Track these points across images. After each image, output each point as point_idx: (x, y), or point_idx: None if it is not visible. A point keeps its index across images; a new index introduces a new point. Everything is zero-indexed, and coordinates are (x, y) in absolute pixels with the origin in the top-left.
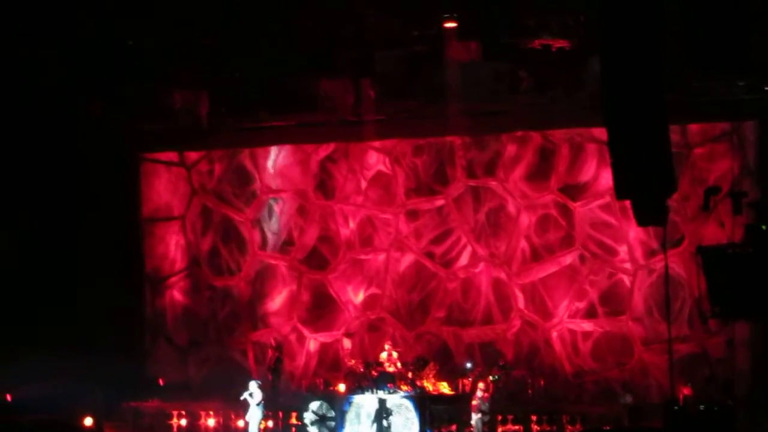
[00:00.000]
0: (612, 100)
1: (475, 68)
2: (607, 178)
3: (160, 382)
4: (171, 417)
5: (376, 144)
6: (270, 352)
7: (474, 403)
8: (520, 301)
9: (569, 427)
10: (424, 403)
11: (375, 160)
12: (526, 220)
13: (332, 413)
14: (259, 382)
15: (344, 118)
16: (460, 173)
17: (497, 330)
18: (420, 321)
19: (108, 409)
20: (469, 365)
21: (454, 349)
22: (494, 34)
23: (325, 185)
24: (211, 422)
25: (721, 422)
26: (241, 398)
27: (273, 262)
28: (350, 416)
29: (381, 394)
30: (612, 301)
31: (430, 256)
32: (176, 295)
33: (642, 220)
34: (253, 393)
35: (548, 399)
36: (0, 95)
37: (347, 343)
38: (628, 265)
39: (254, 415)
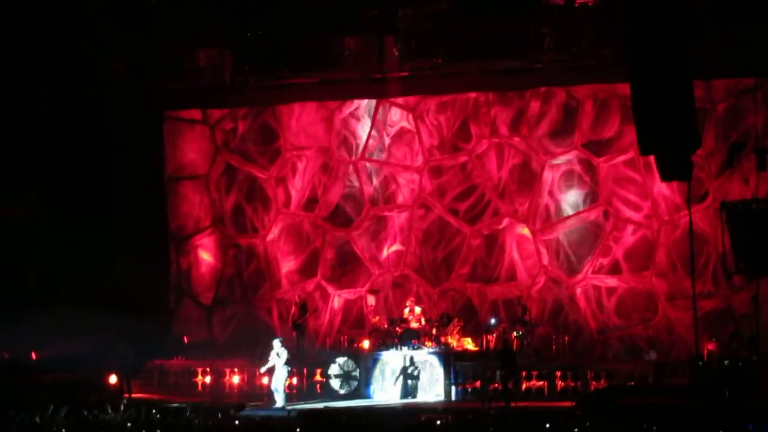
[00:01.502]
0: (636, 55)
1: (499, 25)
2: (630, 134)
3: (185, 340)
4: (196, 374)
5: (400, 101)
6: (294, 310)
7: None
8: (545, 258)
9: (594, 383)
10: (448, 359)
11: (398, 117)
12: (549, 176)
13: (357, 370)
14: (282, 339)
15: (368, 75)
16: (484, 130)
17: (521, 287)
18: (444, 278)
19: (134, 367)
20: (493, 321)
21: (478, 305)
22: None
23: (348, 142)
24: (235, 379)
25: (746, 378)
26: (270, 359)
27: (297, 219)
28: (375, 373)
29: (406, 350)
30: (636, 257)
31: (453, 212)
32: (201, 253)
33: (666, 176)
34: (280, 353)
35: (573, 355)
36: (26, 58)
37: (371, 300)
38: (652, 221)
39: (281, 375)
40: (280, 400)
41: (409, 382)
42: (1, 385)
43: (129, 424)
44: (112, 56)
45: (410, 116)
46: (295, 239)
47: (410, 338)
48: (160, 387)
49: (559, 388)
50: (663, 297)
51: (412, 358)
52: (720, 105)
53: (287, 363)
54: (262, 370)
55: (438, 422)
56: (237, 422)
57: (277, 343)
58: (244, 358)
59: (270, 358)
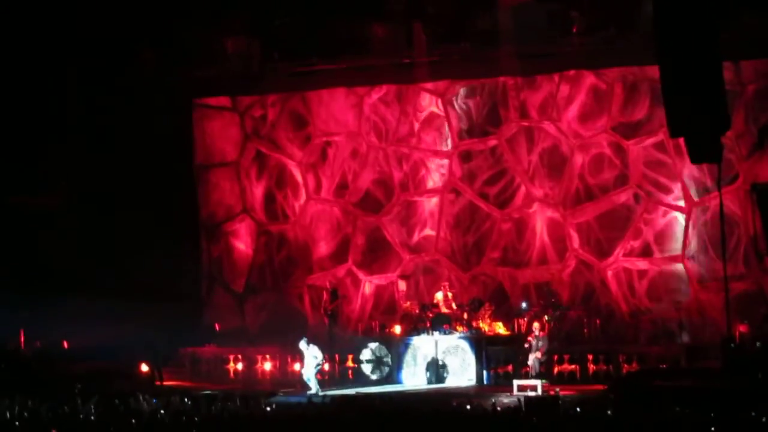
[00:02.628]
0: (665, 38)
1: (528, 9)
2: (660, 117)
3: (217, 327)
4: (228, 362)
5: (429, 86)
6: (325, 296)
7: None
8: (575, 241)
9: (626, 366)
10: (480, 344)
11: (428, 102)
12: (579, 159)
13: (388, 355)
14: (306, 338)
15: (397, 61)
16: (513, 114)
17: (552, 270)
18: (475, 262)
19: (166, 356)
20: (524, 306)
21: (509, 290)
22: None
23: (378, 128)
24: (267, 366)
25: None
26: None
27: (327, 206)
28: (407, 358)
29: (437, 335)
30: (667, 240)
31: (484, 197)
32: (232, 241)
33: (696, 158)
34: (313, 352)
35: (604, 339)
36: (55, 48)
37: (402, 286)
38: (682, 203)
39: (311, 364)
40: (313, 387)
41: (440, 369)
42: (34, 374)
43: (161, 413)
44: (142, 45)
45: (439, 101)
46: (325, 225)
47: (441, 323)
48: (192, 375)
49: (591, 371)
50: (694, 279)
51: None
52: (750, 86)
53: (322, 359)
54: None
55: (469, 407)
56: (269, 409)
57: (303, 344)
58: (275, 345)
59: (307, 359)
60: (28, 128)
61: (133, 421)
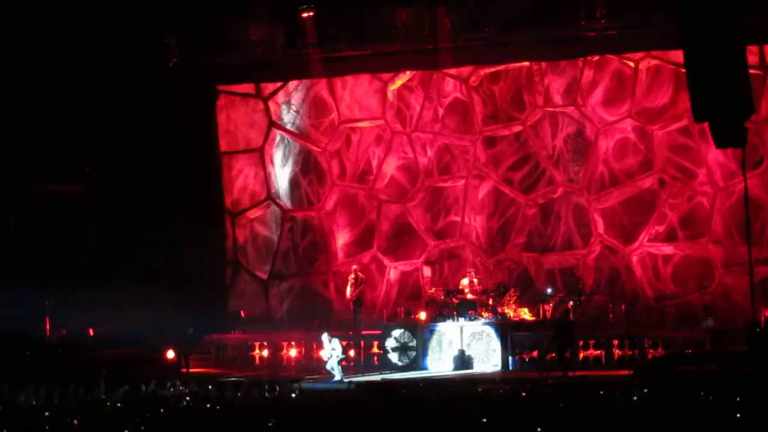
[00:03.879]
0: (689, 22)
1: None
2: (684, 101)
3: (242, 314)
4: (253, 348)
5: (452, 71)
6: (351, 283)
7: None
8: (600, 226)
9: (651, 351)
10: (505, 329)
11: (452, 87)
12: (604, 144)
13: (413, 341)
14: (328, 333)
15: (420, 47)
16: (538, 99)
17: (577, 255)
18: (500, 248)
19: (192, 343)
20: (549, 291)
21: (534, 275)
22: None
23: (402, 114)
24: (293, 353)
25: None
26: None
27: (352, 192)
28: (432, 344)
29: (462, 321)
30: (692, 225)
31: (508, 182)
32: (256, 227)
33: (720, 142)
34: (334, 346)
35: (629, 324)
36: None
37: (427, 272)
38: (707, 188)
39: (335, 355)
40: (337, 374)
41: (465, 354)
42: (59, 361)
43: (187, 399)
44: (166, 32)
45: (463, 87)
46: (350, 211)
47: (467, 309)
48: (218, 362)
49: (616, 356)
50: (719, 264)
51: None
52: None
53: (343, 352)
54: (324, 356)
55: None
56: (295, 395)
57: (326, 338)
58: (301, 331)
59: (326, 353)
60: (54, 116)
61: (160, 408)
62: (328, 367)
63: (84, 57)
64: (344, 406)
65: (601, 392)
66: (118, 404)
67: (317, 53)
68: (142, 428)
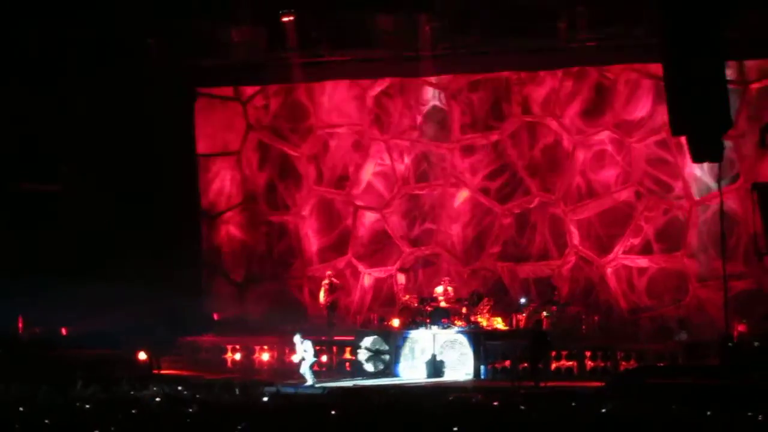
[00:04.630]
0: (668, 35)
1: (532, 4)
2: (662, 114)
3: (215, 316)
4: (226, 351)
5: (432, 79)
6: (325, 288)
7: None
8: (575, 237)
9: (624, 363)
10: (478, 338)
11: (430, 95)
12: (581, 156)
13: (386, 348)
14: (301, 333)
15: (401, 54)
16: (516, 109)
17: (552, 266)
18: (475, 256)
19: (165, 344)
20: (523, 301)
21: (509, 284)
22: None
23: (380, 120)
24: (265, 357)
25: None
26: (297, 353)
27: (329, 197)
28: (404, 351)
29: (435, 329)
30: (667, 238)
31: (485, 191)
32: (232, 230)
33: (697, 156)
34: (306, 348)
35: (603, 335)
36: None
37: (402, 279)
38: (683, 202)
39: (307, 363)
40: (309, 379)
41: (437, 362)
42: (32, 360)
43: (158, 400)
44: (146, 33)
45: (442, 95)
46: (326, 217)
47: (440, 317)
48: (191, 364)
49: (588, 368)
50: (694, 277)
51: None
52: (752, 85)
53: (315, 354)
54: (295, 359)
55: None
56: (266, 399)
57: (297, 340)
58: (274, 335)
59: (299, 354)
60: (29, 114)
61: (131, 409)
62: (301, 370)
63: (62, 54)
64: (314, 411)
65: (573, 403)
66: (88, 405)
67: (297, 58)
68: (112, 429)
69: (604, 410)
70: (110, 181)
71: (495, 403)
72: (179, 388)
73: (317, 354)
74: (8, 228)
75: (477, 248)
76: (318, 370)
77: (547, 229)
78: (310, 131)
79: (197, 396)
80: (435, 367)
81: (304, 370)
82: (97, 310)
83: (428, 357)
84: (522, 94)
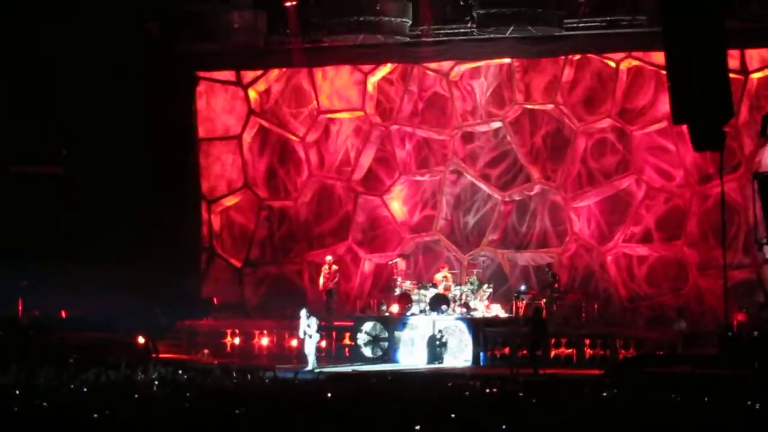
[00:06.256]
0: (671, 24)
1: None
2: (664, 103)
3: (215, 301)
4: (225, 336)
5: (433, 66)
6: (324, 273)
7: None
8: (576, 225)
9: (623, 351)
10: (477, 325)
11: (432, 81)
12: (582, 143)
13: (386, 334)
14: (308, 310)
15: (402, 40)
16: (518, 96)
17: (552, 253)
18: (475, 243)
19: (164, 328)
20: (523, 288)
21: (508, 272)
22: None
23: (381, 106)
24: (264, 341)
25: None
26: (301, 330)
27: (329, 182)
28: (404, 337)
29: (435, 315)
30: (667, 226)
31: (485, 178)
32: (232, 214)
33: (699, 145)
34: (310, 323)
35: (602, 323)
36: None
37: (402, 265)
38: (684, 190)
39: (312, 340)
40: (310, 363)
41: (437, 348)
42: (31, 343)
43: (156, 384)
44: (147, 17)
45: (443, 81)
46: (327, 202)
47: (440, 303)
48: (189, 347)
49: (587, 355)
50: (694, 266)
51: (440, 328)
52: (753, 75)
53: (318, 330)
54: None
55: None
56: (266, 383)
57: (303, 314)
58: (273, 319)
59: (301, 328)
60: (30, 98)
61: (128, 393)
62: (305, 350)
63: (62, 38)
64: (312, 396)
65: (572, 391)
66: (86, 389)
67: (299, 42)
68: (107, 413)
69: (602, 397)
70: (111, 164)
71: (494, 390)
72: (179, 371)
73: (320, 330)
74: (9, 211)
75: (477, 235)
76: (317, 356)
77: (548, 217)
78: (311, 116)
79: (195, 380)
80: (434, 353)
81: (309, 350)
82: (96, 293)
83: (427, 343)
84: (523, 81)
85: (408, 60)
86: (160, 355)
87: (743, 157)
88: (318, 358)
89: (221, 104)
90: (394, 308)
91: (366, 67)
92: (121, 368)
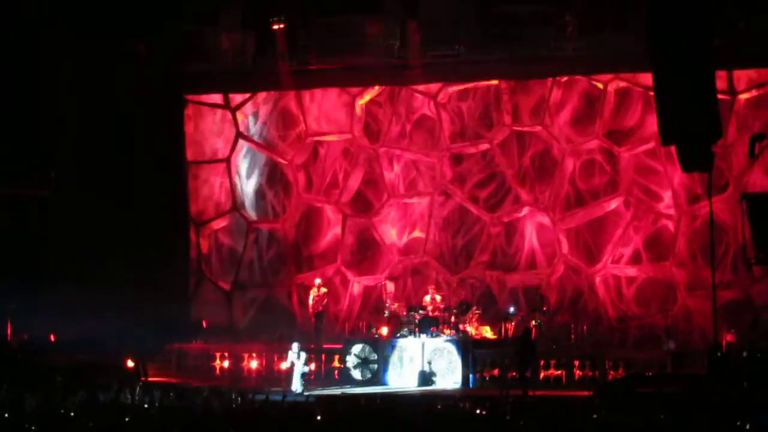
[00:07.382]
0: (658, 44)
1: (521, 12)
2: (652, 124)
3: (204, 323)
4: (214, 358)
5: (421, 88)
6: (314, 295)
7: None
8: (564, 246)
9: (612, 372)
10: (467, 347)
11: (420, 103)
12: (570, 164)
13: (375, 356)
14: (300, 343)
15: (390, 62)
16: (505, 117)
17: (541, 275)
18: (463, 265)
19: (153, 351)
20: (512, 310)
21: (497, 293)
22: None
23: (369, 128)
24: (254, 364)
25: (764, 369)
26: (289, 359)
27: (318, 205)
28: (393, 360)
29: (424, 337)
30: (656, 247)
31: (474, 200)
32: (221, 237)
33: (687, 166)
34: (299, 354)
35: (591, 344)
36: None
37: (390, 287)
38: (672, 211)
39: (298, 369)
40: (298, 386)
41: (426, 370)
42: (20, 366)
43: (145, 407)
44: (135, 38)
45: (431, 103)
46: (315, 224)
47: (429, 325)
48: (179, 370)
49: (577, 376)
50: (682, 286)
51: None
52: (742, 95)
53: (305, 363)
54: (283, 366)
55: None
56: (255, 406)
57: (295, 347)
58: (262, 342)
59: (289, 358)
60: (20, 119)
61: (117, 416)
62: (294, 378)
63: (52, 59)
64: (301, 419)
65: (561, 412)
66: (72, 413)
67: (287, 65)
68: None
69: (592, 418)
70: (99, 186)
71: (483, 412)
72: (171, 395)
73: (308, 362)
74: None
75: (465, 257)
76: (306, 378)
77: (536, 238)
78: (299, 139)
79: (184, 402)
80: (423, 375)
81: (296, 378)
82: (85, 315)
83: (417, 365)
84: (511, 102)
85: (396, 82)
86: (150, 378)
87: (731, 177)
88: (306, 382)
89: (209, 127)
90: (384, 330)
91: (354, 90)
92: (111, 391)
